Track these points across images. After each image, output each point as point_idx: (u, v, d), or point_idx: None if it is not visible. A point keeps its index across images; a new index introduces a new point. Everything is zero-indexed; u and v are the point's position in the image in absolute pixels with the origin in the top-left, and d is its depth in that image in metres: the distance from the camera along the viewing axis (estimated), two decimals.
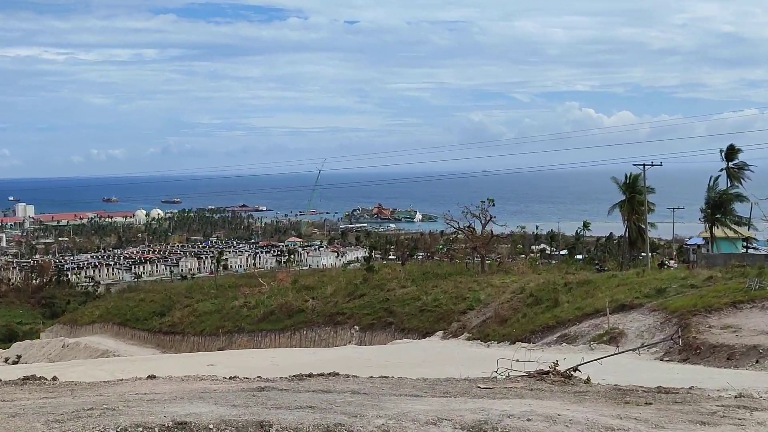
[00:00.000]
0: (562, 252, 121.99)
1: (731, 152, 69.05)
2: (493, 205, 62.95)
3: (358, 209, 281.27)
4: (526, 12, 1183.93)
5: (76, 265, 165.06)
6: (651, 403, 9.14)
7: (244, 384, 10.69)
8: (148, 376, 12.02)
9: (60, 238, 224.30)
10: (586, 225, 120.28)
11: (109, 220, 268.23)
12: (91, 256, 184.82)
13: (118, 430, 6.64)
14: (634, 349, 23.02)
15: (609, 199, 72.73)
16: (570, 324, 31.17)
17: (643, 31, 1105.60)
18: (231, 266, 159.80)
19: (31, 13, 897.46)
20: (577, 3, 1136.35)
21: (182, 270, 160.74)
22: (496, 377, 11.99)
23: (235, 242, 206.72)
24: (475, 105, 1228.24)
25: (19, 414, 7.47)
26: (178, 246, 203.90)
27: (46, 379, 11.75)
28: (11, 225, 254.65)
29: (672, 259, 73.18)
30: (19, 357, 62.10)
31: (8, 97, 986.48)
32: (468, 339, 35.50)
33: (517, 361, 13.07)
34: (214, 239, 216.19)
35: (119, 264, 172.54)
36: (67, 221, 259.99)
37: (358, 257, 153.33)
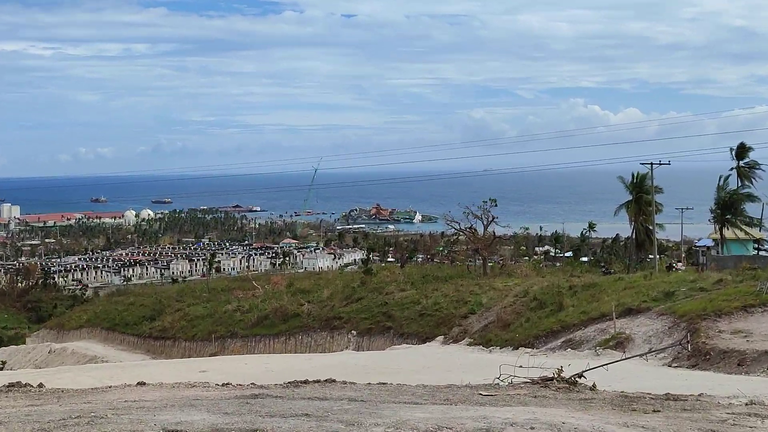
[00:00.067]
0: (566, 254, 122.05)
1: (742, 151, 69.10)
2: (496, 205, 63.02)
3: (356, 210, 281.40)
4: (530, 5, 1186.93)
5: (63, 268, 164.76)
6: (659, 411, 9.15)
7: (237, 391, 10.69)
8: (138, 383, 12.02)
9: (46, 240, 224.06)
10: (591, 226, 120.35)
11: (98, 221, 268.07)
12: (79, 259, 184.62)
13: None
14: (641, 355, 23.06)
15: (615, 200, 72.78)
16: (575, 329, 31.21)
17: (650, 25, 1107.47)
18: (224, 269, 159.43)
19: (17, 5, 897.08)
20: None
21: (173, 273, 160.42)
22: (498, 384, 11.99)
23: (228, 244, 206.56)
24: (477, 102, 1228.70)
25: (4, 422, 7.47)
26: (168, 248, 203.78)
27: (32, 386, 11.74)
28: None
29: (680, 262, 73.31)
30: (3, 363, 62.03)
31: None
32: (469, 344, 35.53)
33: (521, 367, 13.07)
34: (206, 241, 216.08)
35: (108, 266, 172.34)
36: (54, 222, 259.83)
37: (355, 259, 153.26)
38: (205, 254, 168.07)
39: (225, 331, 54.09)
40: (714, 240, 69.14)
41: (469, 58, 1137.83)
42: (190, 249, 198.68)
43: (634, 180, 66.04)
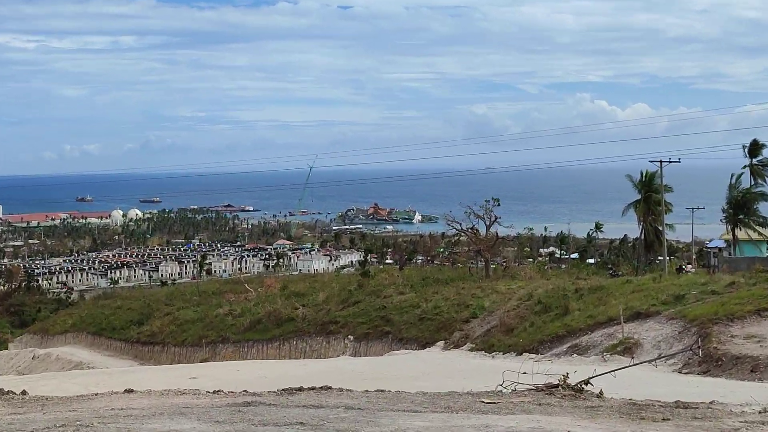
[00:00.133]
0: (572, 255, 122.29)
1: (755, 148, 69.24)
2: (498, 204, 63.05)
3: (353, 209, 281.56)
4: None
5: (47, 270, 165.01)
6: (669, 419, 9.15)
7: (229, 398, 10.69)
8: (125, 390, 12.02)
9: (30, 241, 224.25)
10: (598, 226, 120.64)
11: (84, 221, 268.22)
12: (64, 260, 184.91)
13: None
14: (650, 361, 23.06)
15: (623, 199, 72.90)
16: (581, 333, 31.23)
17: (659, 17, 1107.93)
18: (215, 271, 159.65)
19: None
20: None
21: (162, 275, 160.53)
22: (501, 391, 12.00)
23: (219, 245, 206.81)
24: (479, 97, 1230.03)
25: None
26: (157, 249, 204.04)
27: (15, 393, 11.73)
28: None
29: (690, 264, 73.43)
30: None
31: None
32: (471, 350, 35.55)
33: (524, 373, 13.08)
34: (197, 242, 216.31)
35: (94, 269, 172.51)
36: (38, 222, 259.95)
37: (352, 261, 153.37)
38: (195, 256, 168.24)
39: (216, 336, 54.09)
40: (726, 241, 69.24)
41: (470, 51, 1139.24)
42: (179, 250, 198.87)
43: (643, 178, 66.12)
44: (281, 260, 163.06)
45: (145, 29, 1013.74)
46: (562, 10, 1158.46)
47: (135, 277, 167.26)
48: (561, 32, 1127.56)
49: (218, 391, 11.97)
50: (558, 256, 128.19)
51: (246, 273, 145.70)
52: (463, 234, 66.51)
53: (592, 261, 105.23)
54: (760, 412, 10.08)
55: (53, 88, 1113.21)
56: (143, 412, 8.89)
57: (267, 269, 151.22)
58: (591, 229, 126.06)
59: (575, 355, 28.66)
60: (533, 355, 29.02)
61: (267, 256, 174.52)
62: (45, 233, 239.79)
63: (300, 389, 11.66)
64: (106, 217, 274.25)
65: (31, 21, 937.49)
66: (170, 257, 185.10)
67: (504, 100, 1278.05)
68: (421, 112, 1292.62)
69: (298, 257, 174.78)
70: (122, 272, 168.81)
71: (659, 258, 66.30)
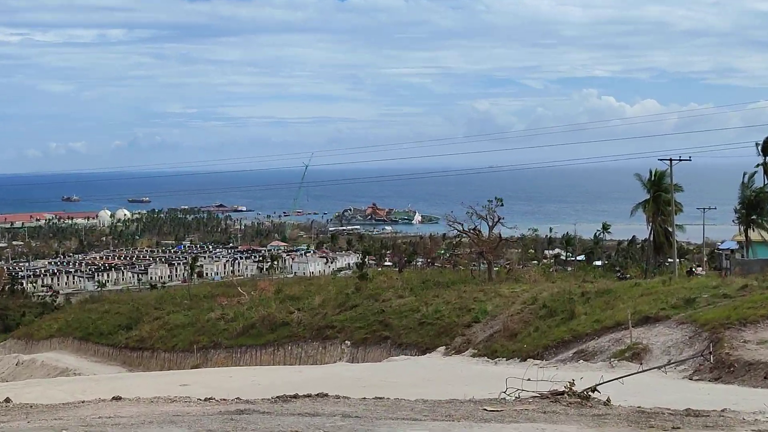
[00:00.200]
0: (578, 257, 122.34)
1: None
2: (502, 204, 63.03)
3: (350, 209, 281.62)
4: None
5: (32, 273, 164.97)
6: (679, 428, 9.16)
7: (221, 406, 10.69)
8: (113, 398, 12.02)
9: (14, 242, 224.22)
10: (605, 227, 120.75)
11: (70, 221, 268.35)
12: (49, 263, 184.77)
13: None
14: (659, 367, 23.08)
15: (631, 198, 72.94)
16: (588, 338, 31.25)
17: (669, 9, 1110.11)
18: (206, 274, 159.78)
19: None
20: None
21: (151, 278, 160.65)
22: (504, 398, 12.00)
23: (211, 247, 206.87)
24: (482, 92, 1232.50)
25: None
26: (146, 251, 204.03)
27: None
28: None
29: (701, 266, 73.48)
30: None
31: None
32: (473, 355, 35.57)
33: (529, 380, 13.09)
34: (188, 243, 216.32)
35: (81, 271, 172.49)
36: (22, 223, 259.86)
37: (349, 263, 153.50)
38: (186, 258, 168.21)
39: (208, 341, 54.09)
40: (738, 242, 69.29)
41: (472, 45, 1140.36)
42: (169, 252, 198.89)
43: (652, 177, 66.17)
44: (275, 262, 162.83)
45: (134, 22, 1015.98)
46: (568, 2, 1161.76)
47: (123, 279, 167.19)
48: (567, 25, 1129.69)
49: (210, 398, 11.97)
50: (564, 258, 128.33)
51: (239, 276, 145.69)
52: (464, 235, 66.52)
53: (599, 263, 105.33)
54: None
55: (38, 83, 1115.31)
56: (132, 420, 8.89)
57: (261, 272, 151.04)
58: (598, 230, 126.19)
59: (581, 361, 28.66)
60: (538, 361, 29.01)
61: (261, 258, 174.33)
62: (29, 234, 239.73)
63: (295, 396, 11.66)
64: (93, 218, 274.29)
65: (14, 13, 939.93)
66: (160, 259, 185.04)
67: (507, 95, 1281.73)
68: (422, 108, 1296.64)
69: (293, 259, 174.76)
70: (110, 275, 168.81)
71: (669, 260, 66.35)
